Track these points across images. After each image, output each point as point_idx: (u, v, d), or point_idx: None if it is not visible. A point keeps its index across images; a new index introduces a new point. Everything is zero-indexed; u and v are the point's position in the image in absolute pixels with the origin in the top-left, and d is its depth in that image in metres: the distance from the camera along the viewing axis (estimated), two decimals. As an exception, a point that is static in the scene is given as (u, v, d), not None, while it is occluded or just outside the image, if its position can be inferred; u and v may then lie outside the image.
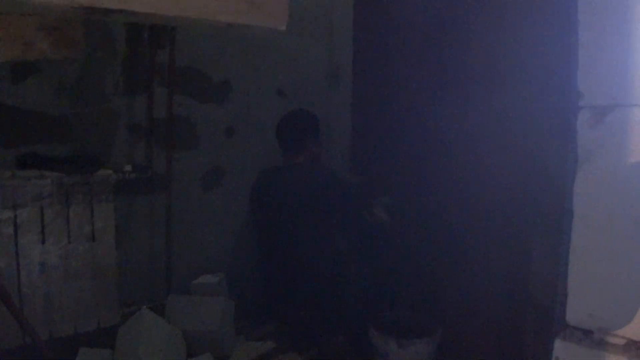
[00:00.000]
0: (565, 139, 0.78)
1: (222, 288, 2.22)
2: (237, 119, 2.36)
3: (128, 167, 2.03)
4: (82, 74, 1.90)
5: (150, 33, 2.06)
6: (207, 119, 2.27)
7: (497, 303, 1.62)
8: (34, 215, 1.81)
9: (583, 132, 0.78)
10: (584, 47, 0.78)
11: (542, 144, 0.93)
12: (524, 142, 1.13)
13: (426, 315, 2.09)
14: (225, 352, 2.02)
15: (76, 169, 1.90)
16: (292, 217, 2.16)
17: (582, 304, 0.80)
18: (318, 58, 2.69)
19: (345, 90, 2.64)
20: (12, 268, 1.81)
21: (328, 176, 2.20)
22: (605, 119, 0.76)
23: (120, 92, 2.04)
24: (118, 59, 2.00)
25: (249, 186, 2.33)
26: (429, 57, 1.95)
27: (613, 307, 0.77)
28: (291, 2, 2.45)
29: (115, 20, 1.70)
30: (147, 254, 2.16)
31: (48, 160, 1.86)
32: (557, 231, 0.82)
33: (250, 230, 2.39)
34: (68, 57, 1.34)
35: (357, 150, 2.75)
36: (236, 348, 2.07)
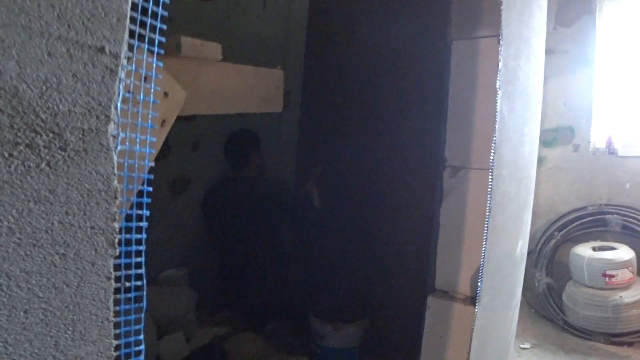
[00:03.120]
0: (436, 183, 1.53)
1: (185, 280, 2.82)
2: (202, 135, 2.97)
3: (110, 174, 2.57)
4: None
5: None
6: (177, 135, 2.85)
7: (409, 290, 2.39)
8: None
9: (446, 180, 1.53)
10: (449, 132, 1.54)
11: (428, 184, 1.68)
12: (420, 184, 1.90)
13: (357, 303, 2.82)
14: (189, 335, 2.62)
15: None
16: (242, 222, 2.82)
17: (444, 276, 1.55)
18: (273, 82, 3.35)
19: (294, 112, 3.32)
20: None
21: (273, 187, 2.87)
22: (457, 174, 1.52)
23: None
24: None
25: (210, 192, 2.95)
26: (361, 97, 2.69)
27: (458, 278, 1.52)
28: (252, 33, 3.12)
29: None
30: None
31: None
32: (429, 236, 1.56)
33: (209, 230, 3.01)
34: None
35: (302, 162, 3.44)
36: (197, 331, 2.67)
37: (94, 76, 0.45)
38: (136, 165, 0.65)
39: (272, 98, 1.42)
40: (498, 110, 1.48)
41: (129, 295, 0.56)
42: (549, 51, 3.80)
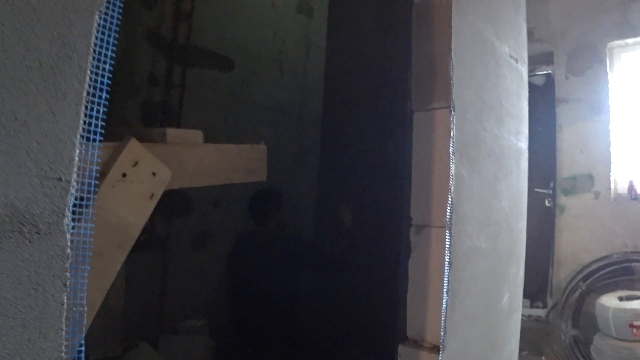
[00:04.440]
0: (403, 240, 1.75)
1: (204, 330, 3.08)
2: (222, 193, 3.30)
3: (136, 231, 2.92)
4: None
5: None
6: (199, 193, 3.20)
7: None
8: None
9: (412, 236, 1.74)
10: (413, 194, 1.76)
11: (395, 240, 1.90)
12: (387, 238, 2.12)
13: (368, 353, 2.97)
14: (206, 382, 2.86)
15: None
16: (262, 275, 3.07)
17: (413, 326, 1.74)
18: (288, 142, 3.69)
19: (313, 168, 3.61)
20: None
21: (292, 242, 3.15)
22: (421, 231, 1.73)
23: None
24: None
25: (229, 246, 3.25)
26: (365, 158, 2.95)
27: (426, 329, 1.71)
28: (269, 99, 3.49)
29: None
30: (144, 300, 3.02)
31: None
32: (397, 292, 1.77)
33: (228, 282, 3.28)
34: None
35: (321, 214, 3.69)
36: (214, 379, 2.91)
37: (55, 193, 0.77)
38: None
39: (254, 170, 1.72)
40: (453, 173, 1.70)
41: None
42: (561, 100, 3.97)
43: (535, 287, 4.35)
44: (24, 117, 0.72)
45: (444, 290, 1.66)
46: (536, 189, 4.24)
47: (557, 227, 3.99)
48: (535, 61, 4.20)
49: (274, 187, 3.28)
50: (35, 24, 0.71)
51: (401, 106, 1.86)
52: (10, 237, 0.76)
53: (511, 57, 2.26)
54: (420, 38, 1.84)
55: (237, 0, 3.55)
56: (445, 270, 1.67)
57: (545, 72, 4.36)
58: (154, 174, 1.40)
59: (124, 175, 1.34)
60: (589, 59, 3.89)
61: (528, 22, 2.87)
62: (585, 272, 3.83)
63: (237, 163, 1.66)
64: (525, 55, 2.45)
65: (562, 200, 4.00)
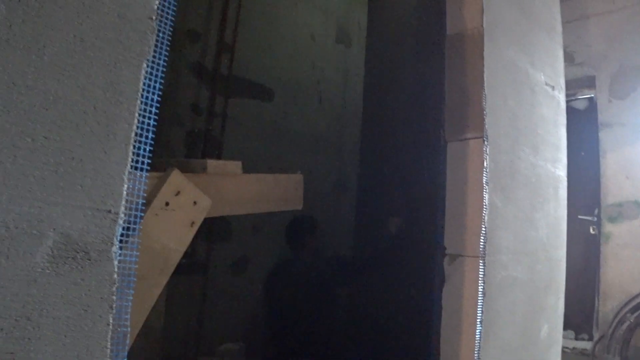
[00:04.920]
0: (436, 269, 1.76)
1: (241, 354, 3.13)
2: (261, 219, 3.38)
3: (178, 255, 3.03)
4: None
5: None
6: (238, 219, 3.28)
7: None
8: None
9: (446, 266, 1.75)
10: (447, 223, 1.78)
11: (429, 270, 1.91)
12: (423, 271, 2.12)
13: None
14: (243, 406, 2.90)
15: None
16: (297, 301, 3.12)
17: (447, 357, 1.73)
18: (327, 171, 3.75)
19: (350, 197, 3.65)
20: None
21: (327, 266, 3.19)
22: (455, 261, 1.74)
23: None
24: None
25: (267, 271, 3.31)
26: (402, 187, 2.96)
27: (459, 356, 1.70)
28: (309, 126, 3.58)
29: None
30: (183, 322, 3.10)
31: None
32: (430, 320, 1.77)
33: (266, 307, 3.33)
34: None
35: (359, 239, 3.71)
36: (251, 403, 2.94)
37: (105, 224, 0.85)
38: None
39: (291, 198, 1.78)
40: (487, 202, 1.71)
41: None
42: (605, 124, 3.89)
43: (580, 318, 4.19)
44: (80, 156, 0.81)
45: (478, 320, 1.66)
46: (580, 216, 4.12)
47: (603, 256, 3.85)
48: (576, 85, 4.13)
49: (310, 214, 3.33)
50: (91, 73, 0.80)
51: (436, 136, 1.89)
52: (65, 263, 0.85)
53: (547, 84, 2.26)
54: (453, 69, 1.87)
55: (277, 32, 3.68)
56: (479, 301, 1.66)
57: (587, 96, 4.28)
58: (194, 202, 1.48)
59: (167, 204, 1.43)
60: (633, 81, 3.80)
61: (568, 47, 2.85)
62: (633, 304, 3.67)
63: (274, 192, 1.72)
64: (562, 82, 2.44)
65: (608, 227, 3.87)
